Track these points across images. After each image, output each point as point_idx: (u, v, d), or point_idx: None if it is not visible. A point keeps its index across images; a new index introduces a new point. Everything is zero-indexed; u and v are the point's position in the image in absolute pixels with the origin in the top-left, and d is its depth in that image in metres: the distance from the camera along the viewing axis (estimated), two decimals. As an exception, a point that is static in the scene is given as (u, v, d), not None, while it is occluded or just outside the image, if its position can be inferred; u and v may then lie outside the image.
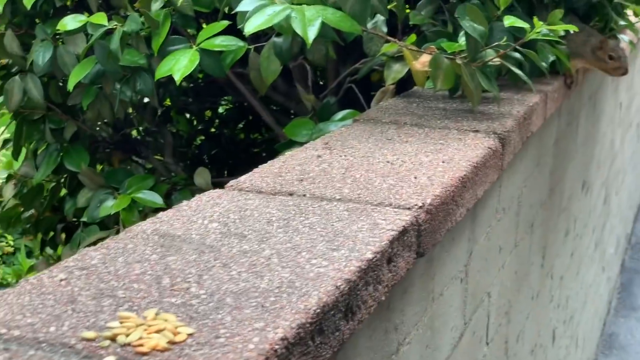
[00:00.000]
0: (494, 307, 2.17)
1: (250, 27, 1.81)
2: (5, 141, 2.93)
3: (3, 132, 2.91)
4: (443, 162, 1.57)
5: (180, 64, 2.17)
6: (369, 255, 1.11)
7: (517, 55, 2.01)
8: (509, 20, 1.89)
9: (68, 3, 2.63)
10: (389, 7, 2.18)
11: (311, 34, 1.74)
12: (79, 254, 1.07)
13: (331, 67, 2.62)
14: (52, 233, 3.00)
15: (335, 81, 2.55)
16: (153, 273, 1.02)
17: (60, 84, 2.68)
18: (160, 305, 0.93)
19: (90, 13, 2.39)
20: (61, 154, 2.71)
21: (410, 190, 1.39)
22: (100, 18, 2.28)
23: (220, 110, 3.70)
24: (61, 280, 0.99)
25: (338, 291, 1.01)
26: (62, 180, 2.86)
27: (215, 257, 1.08)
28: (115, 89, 2.46)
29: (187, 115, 3.54)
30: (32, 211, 2.91)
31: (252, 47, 2.23)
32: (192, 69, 2.14)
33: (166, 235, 1.15)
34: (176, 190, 2.69)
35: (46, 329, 0.87)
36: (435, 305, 1.61)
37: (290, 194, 1.36)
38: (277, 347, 0.86)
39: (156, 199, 2.46)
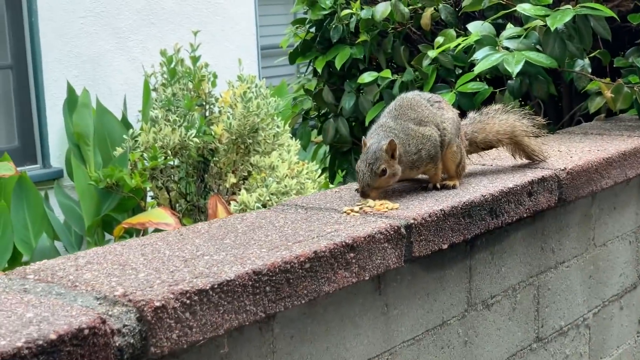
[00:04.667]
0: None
1: (478, 68, 2.66)
2: (324, 170, 3.95)
3: (321, 162, 3.93)
4: (598, 150, 2.31)
5: (441, 102, 3.04)
6: (510, 185, 1.91)
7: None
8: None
9: (366, 65, 3.61)
10: (594, 54, 2.93)
11: (516, 69, 2.55)
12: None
13: (566, 104, 3.37)
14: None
15: (569, 114, 3.29)
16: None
17: (361, 124, 3.64)
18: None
19: (380, 70, 3.34)
20: (363, 177, 3.67)
21: (561, 161, 2.16)
22: (387, 73, 3.23)
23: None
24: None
25: (483, 198, 1.82)
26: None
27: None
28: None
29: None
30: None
31: (497, 90, 3.05)
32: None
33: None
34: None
35: (316, 202, 1.77)
36: (598, 249, 2.33)
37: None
38: (438, 213, 1.70)
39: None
